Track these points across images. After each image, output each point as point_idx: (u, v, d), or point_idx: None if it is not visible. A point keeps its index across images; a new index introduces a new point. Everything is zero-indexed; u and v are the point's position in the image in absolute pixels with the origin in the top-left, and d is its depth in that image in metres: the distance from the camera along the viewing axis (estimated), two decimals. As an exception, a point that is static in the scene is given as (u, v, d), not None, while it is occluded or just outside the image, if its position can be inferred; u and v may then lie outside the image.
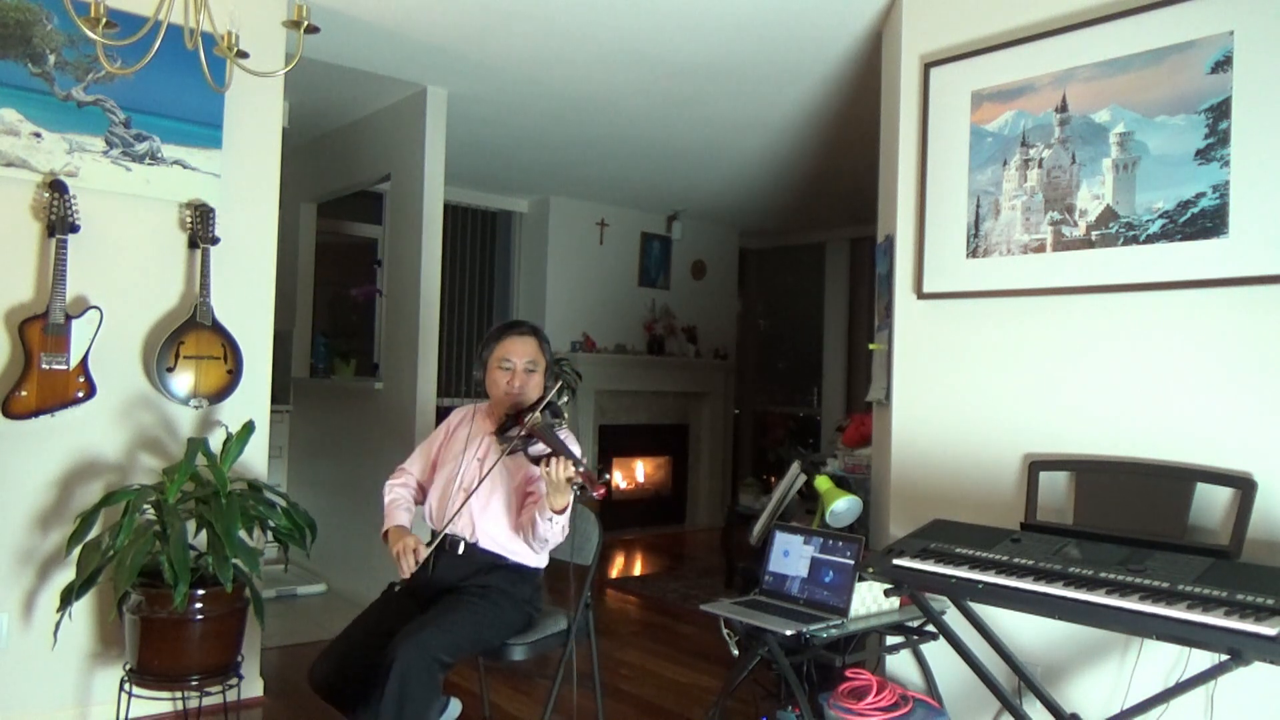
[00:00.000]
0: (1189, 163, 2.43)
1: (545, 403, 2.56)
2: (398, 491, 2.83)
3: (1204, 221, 2.40)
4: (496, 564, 2.66)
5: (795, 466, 3.24)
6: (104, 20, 2.00)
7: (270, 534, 3.05)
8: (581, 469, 2.43)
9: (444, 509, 2.72)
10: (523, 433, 2.52)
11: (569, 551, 2.89)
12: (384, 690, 2.27)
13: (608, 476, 2.48)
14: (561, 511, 2.50)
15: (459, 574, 2.64)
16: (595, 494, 2.43)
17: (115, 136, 3.10)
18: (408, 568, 2.58)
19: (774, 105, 4.58)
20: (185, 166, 3.22)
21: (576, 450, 2.58)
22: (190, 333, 3.19)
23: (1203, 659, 2.25)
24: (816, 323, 8.13)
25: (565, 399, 2.61)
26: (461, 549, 2.66)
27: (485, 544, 2.66)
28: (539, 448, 2.53)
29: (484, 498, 2.68)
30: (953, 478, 2.91)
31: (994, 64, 2.84)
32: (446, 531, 2.69)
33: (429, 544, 2.67)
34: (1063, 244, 2.67)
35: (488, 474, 2.67)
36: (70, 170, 3.02)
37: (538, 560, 2.73)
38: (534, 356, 2.76)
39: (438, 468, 2.84)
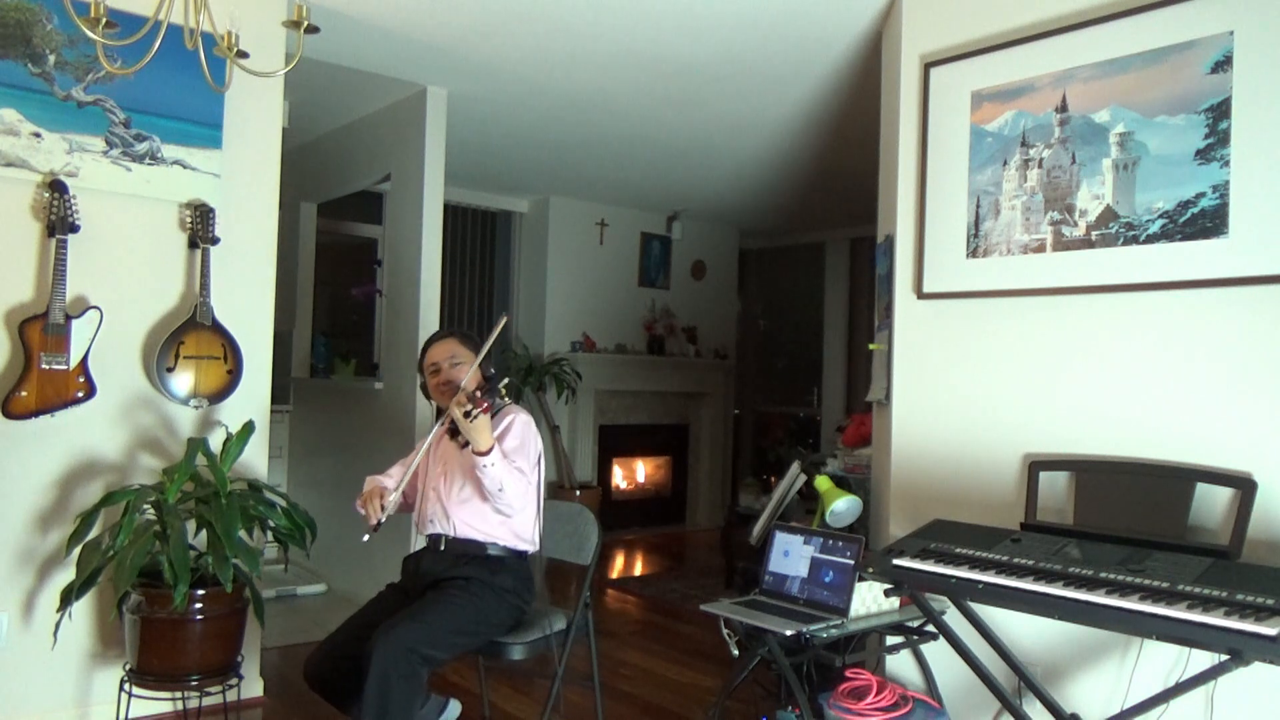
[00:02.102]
0: (1189, 163, 2.43)
1: (476, 383, 2.60)
2: (375, 477, 2.89)
3: (1204, 221, 2.40)
4: (475, 555, 2.68)
5: (795, 466, 3.24)
6: (104, 20, 2.00)
7: (270, 534, 3.05)
8: (470, 396, 2.43)
9: (423, 511, 2.81)
10: (452, 406, 2.55)
11: (569, 551, 2.89)
12: (365, 684, 2.29)
13: (487, 396, 2.48)
14: (484, 454, 2.50)
15: (441, 567, 2.69)
16: (480, 409, 2.42)
17: (115, 136, 3.10)
18: (374, 513, 2.61)
19: (774, 105, 4.58)
20: (185, 166, 3.22)
21: (518, 416, 2.70)
22: (190, 333, 3.19)
23: (1203, 659, 2.25)
24: (816, 323, 8.13)
25: (505, 380, 2.66)
26: (443, 545, 2.72)
27: (464, 532, 2.70)
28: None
29: (453, 488, 2.73)
30: (953, 478, 2.91)
31: (994, 64, 2.84)
32: (429, 533, 2.76)
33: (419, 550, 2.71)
34: (1063, 244, 2.67)
35: (424, 451, 2.74)
36: (70, 170, 3.02)
37: (520, 546, 2.73)
38: (454, 351, 2.83)
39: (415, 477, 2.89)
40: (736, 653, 2.64)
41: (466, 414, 2.43)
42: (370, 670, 2.30)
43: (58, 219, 2.94)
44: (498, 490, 2.56)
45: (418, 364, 2.94)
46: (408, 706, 2.33)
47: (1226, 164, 2.37)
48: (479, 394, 2.44)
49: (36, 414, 2.91)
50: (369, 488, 2.72)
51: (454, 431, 2.66)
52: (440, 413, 2.76)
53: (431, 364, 2.85)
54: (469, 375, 2.69)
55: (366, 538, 2.64)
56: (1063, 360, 2.69)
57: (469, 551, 2.69)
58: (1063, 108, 2.69)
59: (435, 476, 2.79)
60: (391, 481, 2.80)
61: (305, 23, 2.15)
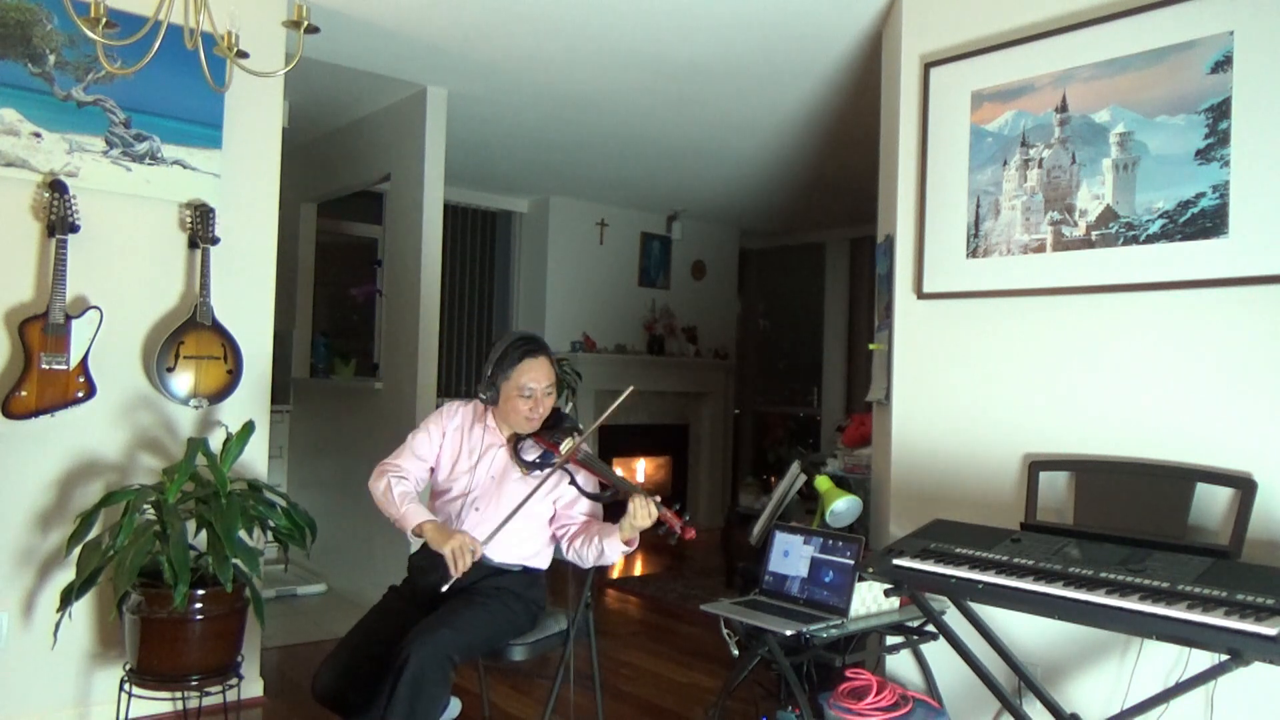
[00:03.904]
0: (1189, 163, 2.43)
1: (566, 427, 2.59)
2: (406, 485, 2.65)
3: (1204, 221, 2.40)
4: (507, 570, 2.65)
5: (795, 466, 3.24)
6: (104, 20, 2.00)
7: (270, 534, 3.05)
8: (663, 510, 2.41)
9: (456, 519, 2.66)
10: (560, 462, 2.54)
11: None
12: (395, 688, 2.27)
13: (688, 515, 2.50)
14: (631, 543, 2.52)
15: (470, 578, 2.59)
16: (685, 536, 2.40)
17: (115, 136, 3.10)
18: (463, 568, 2.45)
19: (774, 105, 4.58)
20: (185, 166, 3.22)
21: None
22: (190, 333, 3.19)
23: (1203, 659, 2.25)
24: (816, 323, 8.13)
25: (570, 405, 2.65)
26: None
27: (500, 559, 2.63)
28: (587, 479, 2.61)
29: (498, 518, 2.61)
30: (953, 478, 2.91)
31: (994, 64, 2.84)
32: None
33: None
34: (1063, 244, 2.67)
35: (520, 504, 2.57)
36: (70, 170, 3.02)
37: (546, 562, 2.74)
38: (551, 380, 2.66)
39: (443, 476, 2.72)
40: (736, 653, 2.64)
41: (660, 529, 2.40)
42: (403, 675, 2.26)
43: (58, 219, 2.94)
44: (606, 563, 2.60)
45: (495, 367, 2.62)
46: (435, 710, 2.33)
47: (1226, 164, 2.37)
48: (680, 515, 2.40)
49: (36, 414, 2.91)
50: (463, 540, 2.46)
51: (516, 447, 2.60)
52: (522, 438, 2.64)
53: (527, 387, 2.59)
54: (561, 418, 2.67)
55: (445, 589, 2.51)
56: (1063, 360, 2.69)
57: (501, 567, 2.65)
58: (1063, 108, 2.69)
59: (485, 494, 2.65)
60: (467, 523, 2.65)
61: (305, 23, 2.15)
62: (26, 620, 3.01)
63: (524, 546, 2.67)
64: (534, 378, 2.61)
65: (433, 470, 2.75)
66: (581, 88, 4.40)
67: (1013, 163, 2.78)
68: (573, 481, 2.63)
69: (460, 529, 2.59)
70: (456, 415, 2.76)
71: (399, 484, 2.62)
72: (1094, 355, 2.62)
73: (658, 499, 2.44)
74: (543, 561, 2.72)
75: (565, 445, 2.56)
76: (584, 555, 2.60)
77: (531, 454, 2.64)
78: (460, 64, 4.16)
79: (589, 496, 2.65)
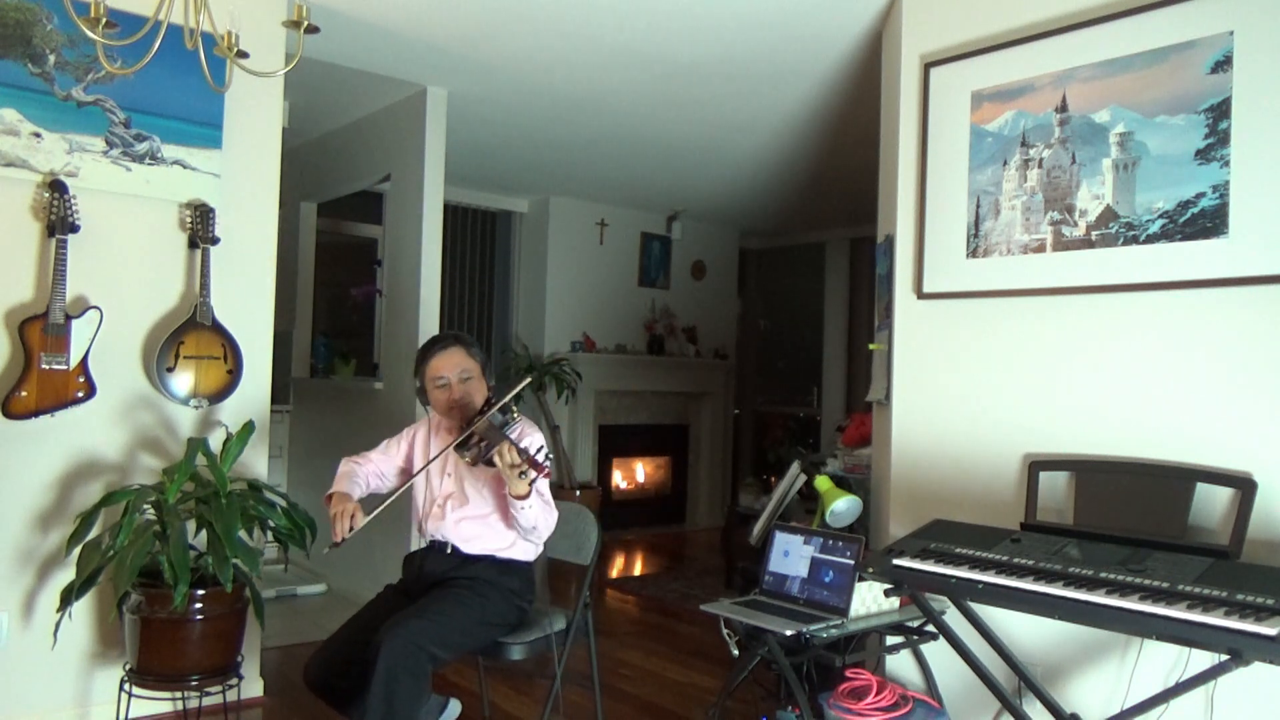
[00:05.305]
0: (1189, 163, 2.43)
1: (490, 404, 2.56)
2: (352, 466, 2.82)
3: (1204, 221, 2.40)
4: (481, 558, 2.69)
5: (795, 466, 3.24)
6: (104, 20, 2.00)
7: (270, 534, 3.05)
8: (525, 455, 2.42)
9: (427, 517, 2.78)
10: (475, 439, 2.54)
11: (569, 551, 2.89)
12: (370, 683, 2.28)
13: (550, 455, 2.52)
14: (522, 497, 2.48)
15: (446, 567, 2.69)
16: (541, 475, 2.43)
17: (115, 136, 3.10)
18: (342, 530, 2.50)
19: (774, 105, 4.58)
20: (185, 166, 3.22)
21: (535, 437, 2.62)
22: (190, 333, 3.19)
23: (1203, 659, 2.25)
24: (816, 323, 8.13)
25: (523, 384, 2.64)
26: (449, 549, 2.71)
27: (469, 549, 2.69)
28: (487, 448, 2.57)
29: (457, 511, 2.70)
30: (953, 478, 2.91)
31: (994, 64, 2.84)
32: (436, 537, 2.74)
33: (419, 550, 2.73)
34: (1063, 244, 2.67)
35: (434, 464, 2.70)
36: (70, 170, 3.02)
37: (526, 554, 2.74)
38: (464, 365, 2.73)
39: (418, 485, 2.84)
40: (736, 653, 2.64)
41: (521, 474, 2.41)
42: (376, 665, 2.29)
43: (58, 219, 2.94)
44: (531, 529, 2.58)
45: (415, 370, 2.80)
46: (413, 703, 2.33)
47: (1226, 164, 2.37)
48: (539, 457, 2.41)
49: (36, 414, 2.91)
50: (345, 505, 2.55)
51: (462, 445, 2.61)
52: (464, 432, 2.62)
53: (439, 377, 2.72)
54: (488, 400, 2.63)
55: (327, 551, 2.61)
56: (1063, 360, 2.69)
57: (471, 557, 2.69)
58: (1063, 108, 2.69)
59: (443, 489, 2.76)
60: (359, 489, 2.75)
61: (305, 23, 2.15)
62: (26, 620, 3.01)
63: (489, 539, 2.69)
64: (441, 367, 2.72)
65: (404, 471, 2.86)
66: (581, 88, 4.40)
67: (1013, 163, 2.78)
68: (485, 460, 2.60)
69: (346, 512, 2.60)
70: (423, 426, 2.90)
71: (347, 464, 2.83)
72: (1094, 355, 2.62)
73: (522, 445, 2.45)
74: (519, 554, 2.73)
75: (476, 423, 2.56)
76: (514, 524, 2.60)
77: (466, 444, 2.63)
78: (460, 64, 4.16)
79: (487, 463, 2.59)
